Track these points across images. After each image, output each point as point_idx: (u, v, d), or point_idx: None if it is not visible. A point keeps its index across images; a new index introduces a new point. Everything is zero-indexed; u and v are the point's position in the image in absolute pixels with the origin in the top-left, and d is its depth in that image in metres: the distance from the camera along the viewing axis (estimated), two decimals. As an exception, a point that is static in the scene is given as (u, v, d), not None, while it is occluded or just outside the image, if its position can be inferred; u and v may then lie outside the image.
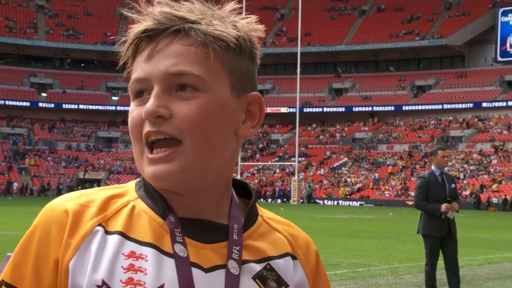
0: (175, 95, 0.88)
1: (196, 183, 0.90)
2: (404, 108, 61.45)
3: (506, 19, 60.41)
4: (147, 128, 0.88)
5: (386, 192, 51.69)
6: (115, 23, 71.38)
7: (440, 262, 7.42)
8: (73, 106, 64.09)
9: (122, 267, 0.87)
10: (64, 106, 63.91)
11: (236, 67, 0.91)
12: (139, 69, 0.90)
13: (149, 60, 0.89)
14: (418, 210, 7.47)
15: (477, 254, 13.30)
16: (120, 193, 0.95)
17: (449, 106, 59.55)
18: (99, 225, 0.90)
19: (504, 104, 57.28)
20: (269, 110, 64.77)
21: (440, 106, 59.89)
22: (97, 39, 68.14)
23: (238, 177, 50.58)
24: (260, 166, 60.02)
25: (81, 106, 64.36)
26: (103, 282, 0.86)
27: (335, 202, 50.37)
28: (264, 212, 1.00)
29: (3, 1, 68.08)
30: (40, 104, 63.45)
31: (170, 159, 0.87)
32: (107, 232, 0.90)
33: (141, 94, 0.91)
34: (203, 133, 0.87)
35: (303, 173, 55.85)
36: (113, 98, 67.04)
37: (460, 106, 59.03)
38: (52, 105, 63.82)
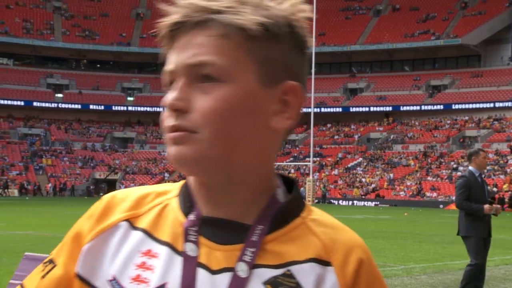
0: (197, 87, 0.86)
1: (219, 174, 0.87)
2: (419, 108, 61.18)
3: (522, 18, 59.90)
4: (168, 121, 0.87)
5: (401, 192, 51.52)
6: (131, 24, 71.82)
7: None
8: (89, 107, 64.56)
9: (135, 264, 0.88)
10: (80, 106, 64.41)
11: (266, 56, 0.87)
12: (168, 61, 0.89)
13: (176, 52, 0.88)
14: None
15: (493, 255, 13.23)
16: (165, 191, 0.96)
17: (464, 106, 59.19)
18: (127, 220, 0.92)
19: (520, 103, 56.85)
20: (283, 110, 64.69)
21: (455, 106, 59.55)
22: (112, 39, 68.57)
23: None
24: (275, 166, 59.99)
25: (97, 107, 64.81)
26: (114, 278, 0.88)
27: (350, 202, 50.28)
28: (312, 214, 0.93)
29: (20, 2, 68.76)
30: (57, 105, 64.00)
31: (185, 141, 0.85)
32: (133, 228, 0.91)
33: (172, 85, 0.89)
34: (221, 126, 0.85)
35: (317, 173, 55.82)
36: (129, 98, 67.40)
37: (476, 106, 58.66)
38: (69, 106, 64.34)
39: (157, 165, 61.55)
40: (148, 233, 0.90)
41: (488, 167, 51.30)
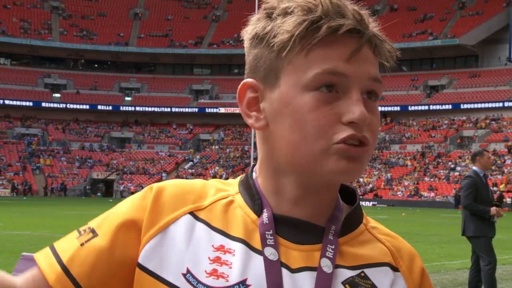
0: (364, 102, 0.87)
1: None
2: (417, 108, 61.24)
3: (520, 18, 59.95)
4: (349, 131, 0.85)
5: (399, 192, 51.58)
6: (129, 24, 71.78)
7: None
8: (86, 107, 64.52)
9: (209, 258, 0.88)
10: (77, 106, 64.36)
11: None
12: (336, 63, 0.85)
13: (349, 60, 0.86)
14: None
15: (490, 255, 13.24)
16: (224, 187, 0.96)
17: (462, 106, 59.26)
18: (191, 213, 0.92)
19: (518, 104, 56.90)
20: (281, 110, 64.77)
21: (453, 106, 59.63)
22: (110, 39, 68.51)
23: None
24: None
25: (94, 107, 64.76)
26: (188, 270, 0.88)
27: (348, 202, 50.32)
28: (370, 222, 0.97)
29: (18, 2, 68.68)
30: (54, 105, 63.93)
31: (362, 158, 0.87)
32: (198, 220, 0.91)
33: (325, 88, 0.85)
34: (375, 145, 0.90)
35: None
36: (126, 98, 67.37)
37: (474, 106, 58.73)
38: (66, 106, 64.29)
39: (155, 165, 61.50)
40: (216, 228, 0.90)
41: (485, 167, 51.38)
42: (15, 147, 59.85)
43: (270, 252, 0.88)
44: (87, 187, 56.76)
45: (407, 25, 66.89)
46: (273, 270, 0.87)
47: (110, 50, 67.73)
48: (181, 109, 65.90)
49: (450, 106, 59.78)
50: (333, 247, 0.89)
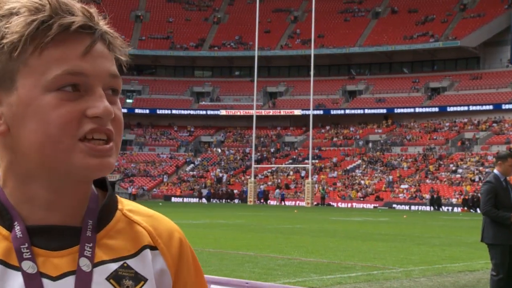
0: (108, 97, 0.88)
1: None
2: (418, 110, 61.19)
3: (521, 20, 59.92)
4: (91, 125, 0.85)
5: (400, 195, 51.51)
6: (130, 26, 71.83)
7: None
8: (87, 109, 64.53)
9: None
10: (79, 108, 64.38)
11: None
12: (73, 63, 0.85)
13: (85, 56, 0.86)
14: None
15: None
16: None
17: (464, 108, 59.22)
18: None
19: (519, 106, 56.84)
20: (282, 112, 64.83)
21: (454, 108, 59.58)
22: (111, 42, 68.59)
23: (252, 179, 50.90)
24: (274, 169, 60.04)
25: (95, 109, 64.76)
26: None
27: (349, 205, 50.26)
28: (125, 205, 0.97)
29: (19, 5, 68.81)
30: (55, 107, 63.97)
31: (111, 153, 0.87)
32: None
33: (68, 87, 0.85)
34: (121, 136, 0.91)
35: (316, 176, 55.81)
36: (128, 100, 67.38)
37: (475, 108, 58.68)
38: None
39: (156, 167, 61.52)
40: None
41: (487, 170, 51.38)
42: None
43: (28, 266, 0.85)
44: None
45: (408, 27, 66.87)
46: (33, 284, 0.84)
47: (111, 52, 67.81)
48: (182, 111, 65.95)
49: (451, 108, 59.75)
50: (90, 244, 0.88)
